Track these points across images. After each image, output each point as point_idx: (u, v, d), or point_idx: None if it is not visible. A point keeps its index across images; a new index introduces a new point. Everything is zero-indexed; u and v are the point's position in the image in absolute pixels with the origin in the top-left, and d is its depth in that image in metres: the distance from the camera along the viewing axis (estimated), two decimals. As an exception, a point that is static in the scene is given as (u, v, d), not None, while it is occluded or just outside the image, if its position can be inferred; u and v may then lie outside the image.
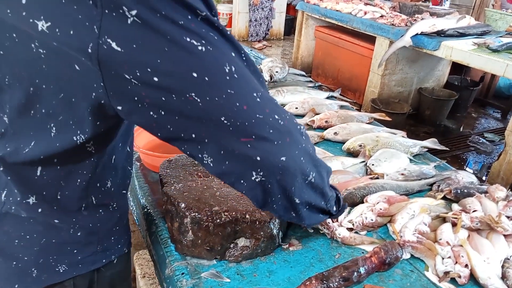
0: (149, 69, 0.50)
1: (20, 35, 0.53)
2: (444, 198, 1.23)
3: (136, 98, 0.52)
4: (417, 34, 3.52)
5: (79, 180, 0.70)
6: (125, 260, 0.88)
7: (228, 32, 0.55)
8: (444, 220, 1.11)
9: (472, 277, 0.95)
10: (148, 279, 1.42)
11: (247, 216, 0.92)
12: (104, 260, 0.80)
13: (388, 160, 1.38)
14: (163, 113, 0.54)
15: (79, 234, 0.75)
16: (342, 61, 4.84)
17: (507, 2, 5.36)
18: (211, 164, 0.61)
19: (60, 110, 0.59)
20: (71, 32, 0.49)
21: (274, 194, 0.66)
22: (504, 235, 1.04)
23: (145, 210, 1.15)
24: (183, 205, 0.93)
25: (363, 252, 1.01)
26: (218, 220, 0.91)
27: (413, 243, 1.01)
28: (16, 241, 0.71)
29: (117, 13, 0.47)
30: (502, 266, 0.96)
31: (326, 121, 1.67)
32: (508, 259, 0.99)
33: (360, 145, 1.46)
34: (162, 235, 1.03)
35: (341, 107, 1.90)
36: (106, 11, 0.47)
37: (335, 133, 1.58)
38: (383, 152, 1.42)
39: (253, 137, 0.57)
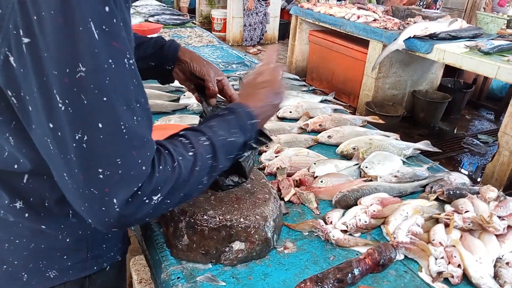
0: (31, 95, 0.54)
1: None
2: (436, 199, 1.24)
3: None
4: (409, 37, 3.56)
5: None
6: (119, 268, 0.88)
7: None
8: (437, 221, 1.12)
9: (465, 276, 0.96)
10: (145, 285, 1.42)
11: (242, 220, 0.93)
12: (95, 267, 0.80)
13: (381, 162, 1.39)
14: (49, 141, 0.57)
15: (67, 240, 0.75)
16: (336, 65, 4.87)
17: (498, 5, 5.43)
18: None
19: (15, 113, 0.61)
20: None
21: None
22: (496, 235, 1.05)
23: (141, 215, 1.15)
24: (177, 209, 0.93)
25: (357, 254, 1.01)
26: (212, 224, 0.91)
27: (406, 244, 1.02)
28: (6, 245, 0.72)
29: (17, 32, 0.51)
30: (494, 266, 0.98)
31: (320, 125, 1.69)
32: (500, 258, 1.00)
33: (354, 148, 1.48)
34: (158, 240, 1.03)
35: (335, 110, 1.91)
36: (10, 26, 0.51)
37: (329, 137, 1.59)
38: (376, 154, 1.43)
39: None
